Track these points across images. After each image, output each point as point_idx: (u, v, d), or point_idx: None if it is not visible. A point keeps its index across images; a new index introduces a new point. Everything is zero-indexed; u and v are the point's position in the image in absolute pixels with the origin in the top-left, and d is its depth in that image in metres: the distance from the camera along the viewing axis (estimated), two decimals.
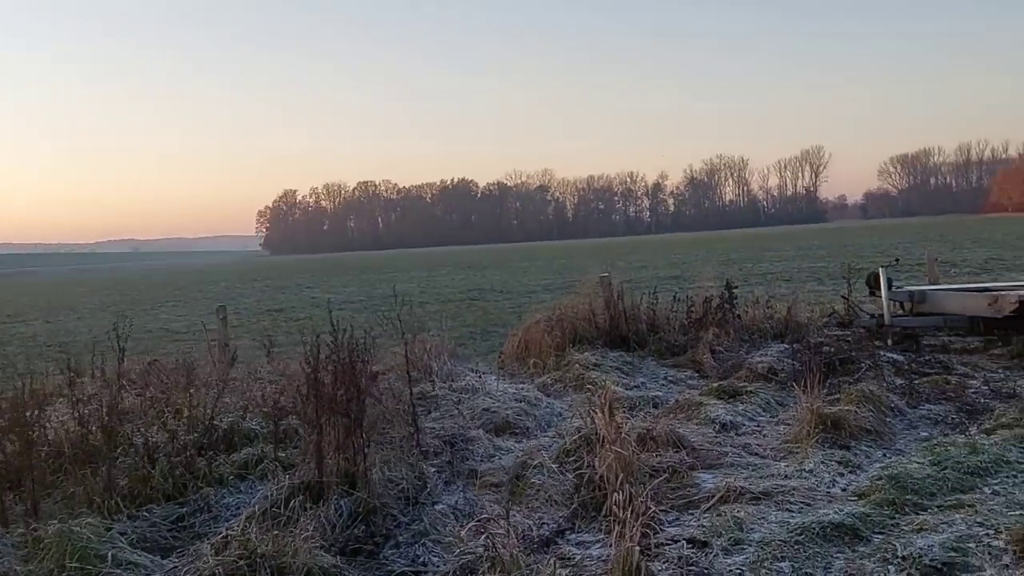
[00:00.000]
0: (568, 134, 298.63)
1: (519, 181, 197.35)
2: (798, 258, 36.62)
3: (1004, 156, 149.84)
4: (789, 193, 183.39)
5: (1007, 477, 5.18)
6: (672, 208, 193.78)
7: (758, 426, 6.97)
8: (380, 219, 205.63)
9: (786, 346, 9.23)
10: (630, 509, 4.27)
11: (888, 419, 6.83)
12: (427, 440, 6.53)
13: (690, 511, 4.92)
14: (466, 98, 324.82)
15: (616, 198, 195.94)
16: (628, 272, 33.28)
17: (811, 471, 5.47)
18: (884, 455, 6.01)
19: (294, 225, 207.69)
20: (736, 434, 6.69)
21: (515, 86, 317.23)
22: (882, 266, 9.63)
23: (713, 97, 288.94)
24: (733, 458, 5.93)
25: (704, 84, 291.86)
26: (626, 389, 8.48)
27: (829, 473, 5.46)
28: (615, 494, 4.35)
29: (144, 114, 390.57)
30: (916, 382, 7.93)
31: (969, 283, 17.08)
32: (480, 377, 8.58)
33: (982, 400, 7.33)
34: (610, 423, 5.13)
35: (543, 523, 4.84)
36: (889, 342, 9.34)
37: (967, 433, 6.31)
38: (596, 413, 5.30)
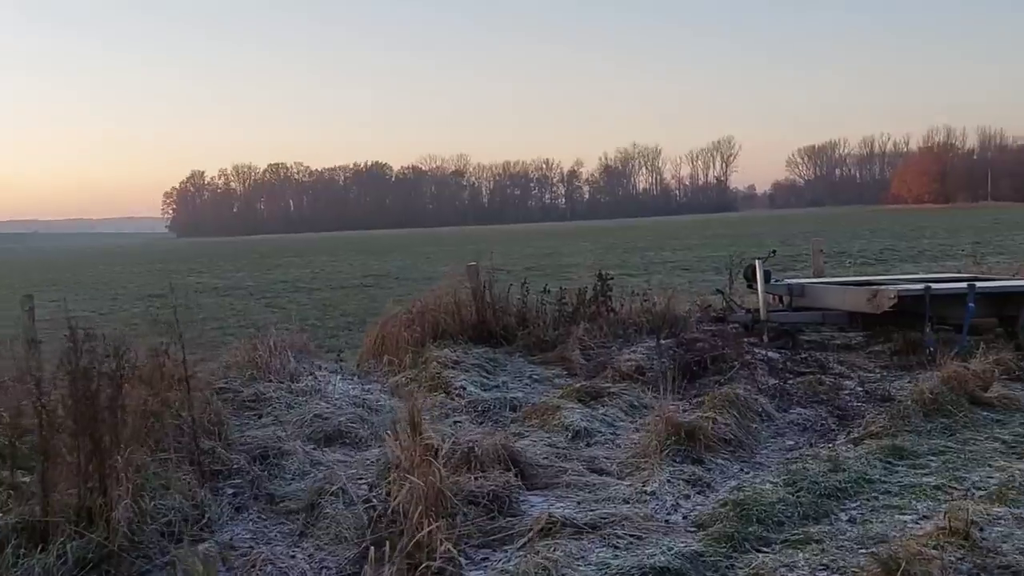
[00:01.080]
0: (484, 119, 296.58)
1: (434, 166, 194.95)
2: (701, 247, 36.62)
3: (905, 149, 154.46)
4: (701, 182, 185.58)
5: (866, 500, 4.60)
6: (587, 195, 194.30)
7: (614, 433, 6.30)
8: (292, 202, 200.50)
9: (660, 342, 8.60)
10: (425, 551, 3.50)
11: (753, 426, 6.24)
12: (232, 455, 5.63)
13: (505, 547, 4.18)
14: (380, 80, 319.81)
15: (532, 184, 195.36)
16: (534, 259, 32.70)
17: (653, 493, 4.80)
18: (741, 470, 5.40)
19: (202, 207, 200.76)
20: (587, 444, 6.00)
21: (430, 69, 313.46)
22: (758, 258, 9.08)
23: (628, 86, 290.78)
24: (573, 476, 5.21)
25: (619, 73, 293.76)
26: (484, 390, 7.71)
27: (673, 496, 4.79)
28: (401, 539, 3.54)
29: (43, 92, 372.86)
30: (789, 383, 7.40)
31: (860, 274, 16.99)
32: (319, 376, 7.67)
33: (855, 404, 6.85)
34: (415, 443, 4.33)
35: (324, 566, 4.03)
36: (765, 339, 8.81)
37: (833, 443, 5.77)
38: (393, 432, 4.49)
